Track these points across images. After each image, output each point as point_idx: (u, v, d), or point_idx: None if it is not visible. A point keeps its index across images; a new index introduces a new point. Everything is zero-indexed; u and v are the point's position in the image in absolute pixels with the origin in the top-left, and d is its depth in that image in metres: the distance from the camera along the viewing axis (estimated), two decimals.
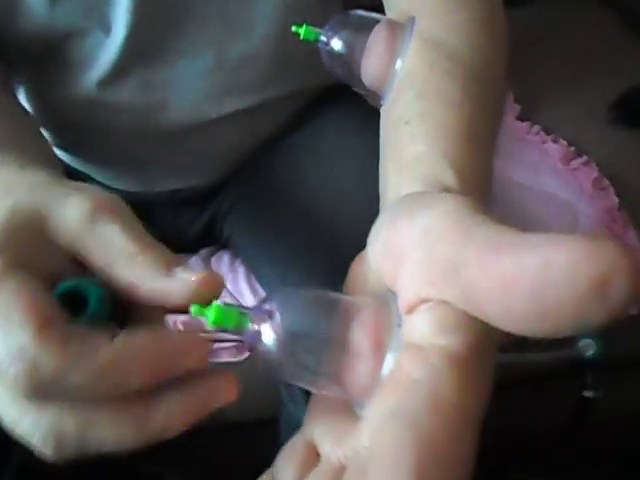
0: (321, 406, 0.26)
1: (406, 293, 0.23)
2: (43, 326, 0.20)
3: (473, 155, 0.30)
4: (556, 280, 0.17)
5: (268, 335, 0.23)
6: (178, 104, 0.52)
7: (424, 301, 0.22)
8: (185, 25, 0.48)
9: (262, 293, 0.60)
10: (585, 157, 0.70)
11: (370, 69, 0.35)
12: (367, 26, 0.35)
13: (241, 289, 0.61)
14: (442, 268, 0.21)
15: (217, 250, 0.67)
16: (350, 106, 0.60)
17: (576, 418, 0.62)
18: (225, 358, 0.59)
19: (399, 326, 0.23)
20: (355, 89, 0.38)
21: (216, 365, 0.60)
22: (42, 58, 0.50)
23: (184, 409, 0.23)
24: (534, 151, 0.73)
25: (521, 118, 0.80)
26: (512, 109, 0.81)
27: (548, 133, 0.77)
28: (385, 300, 0.24)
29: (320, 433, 0.25)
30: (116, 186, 0.59)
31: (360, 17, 0.36)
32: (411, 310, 0.23)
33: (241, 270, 0.63)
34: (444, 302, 0.21)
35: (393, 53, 0.34)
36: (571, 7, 1.07)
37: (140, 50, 0.48)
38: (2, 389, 0.22)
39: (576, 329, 0.18)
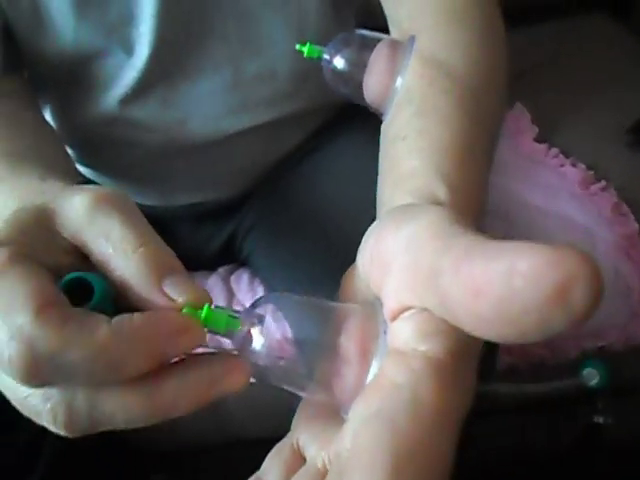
0: (308, 412, 0.27)
1: (390, 300, 0.23)
2: (42, 308, 0.20)
3: (466, 170, 0.31)
4: (520, 287, 0.17)
5: (258, 339, 0.24)
6: (197, 120, 0.53)
7: (407, 308, 0.23)
8: (205, 43, 0.49)
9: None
10: (604, 182, 0.70)
11: (371, 87, 0.36)
12: (369, 45, 0.36)
13: None
14: (423, 276, 0.21)
15: (236, 268, 0.68)
16: (369, 124, 0.61)
17: (585, 443, 0.62)
18: None
19: (385, 333, 0.23)
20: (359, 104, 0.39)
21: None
22: (67, 78, 0.51)
23: (194, 387, 0.23)
24: (552, 174, 0.73)
25: (538, 140, 0.80)
26: (530, 130, 0.81)
27: (566, 156, 0.77)
28: (372, 307, 0.25)
29: (306, 438, 0.26)
30: (136, 200, 0.60)
31: (363, 36, 0.37)
32: (395, 317, 0.23)
33: (260, 290, 0.63)
34: (425, 309, 0.22)
35: (394, 71, 0.35)
36: (589, 27, 1.07)
37: (161, 69, 0.49)
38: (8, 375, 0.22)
39: (541, 335, 0.18)
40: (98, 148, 0.57)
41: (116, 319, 0.21)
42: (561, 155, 0.77)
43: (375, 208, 0.55)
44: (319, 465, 0.24)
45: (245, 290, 0.64)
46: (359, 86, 0.36)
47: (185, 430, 0.66)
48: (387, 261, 0.24)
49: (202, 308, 0.23)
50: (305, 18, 0.50)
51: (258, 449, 0.74)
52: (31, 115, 0.47)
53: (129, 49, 0.48)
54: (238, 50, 0.50)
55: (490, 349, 0.51)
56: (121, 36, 0.48)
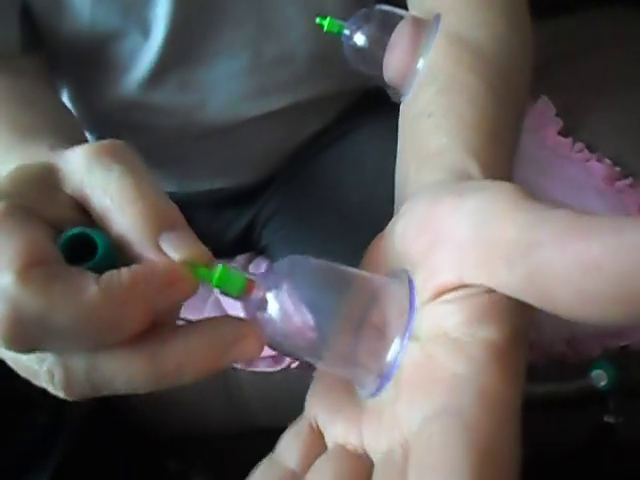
0: (323, 387, 0.26)
1: (443, 275, 0.22)
2: (27, 266, 0.19)
3: (496, 148, 0.30)
4: None
5: (273, 305, 0.22)
6: (215, 103, 0.52)
7: (464, 285, 0.21)
8: (222, 26, 0.49)
9: None
10: (630, 179, 0.69)
11: (392, 65, 0.35)
12: (391, 21, 0.36)
13: None
14: (501, 251, 0.20)
15: (255, 257, 0.68)
16: (392, 111, 0.60)
17: (595, 442, 0.62)
18: (261, 368, 0.59)
19: (413, 308, 0.22)
20: (377, 82, 0.38)
21: (251, 374, 0.60)
22: (84, 60, 0.51)
23: (202, 351, 0.21)
24: (577, 169, 0.72)
25: (563, 134, 0.79)
26: (554, 124, 0.80)
27: (591, 150, 0.76)
28: (400, 279, 0.23)
29: (325, 417, 0.24)
30: None
31: (384, 12, 0.36)
32: (441, 293, 0.22)
33: None
34: (487, 290, 0.21)
35: (416, 50, 0.34)
36: (614, 19, 1.05)
37: (178, 52, 0.49)
38: None
39: None
40: (117, 133, 0.56)
41: (104, 276, 0.20)
42: (586, 150, 0.75)
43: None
44: (349, 447, 0.23)
45: None
46: (379, 64, 0.36)
47: (200, 418, 0.66)
48: (441, 233, 0.22)
49: (205, 266, 0.21)
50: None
51: (272, 438, 0.74)
52: (47, 93, 0.47)
53: (146, 31, 0.48)
54: (255, 34, 0.50)
55: None
56: (137, 17, 0.47)
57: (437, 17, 0.35)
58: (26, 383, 0.22)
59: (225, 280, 0.21)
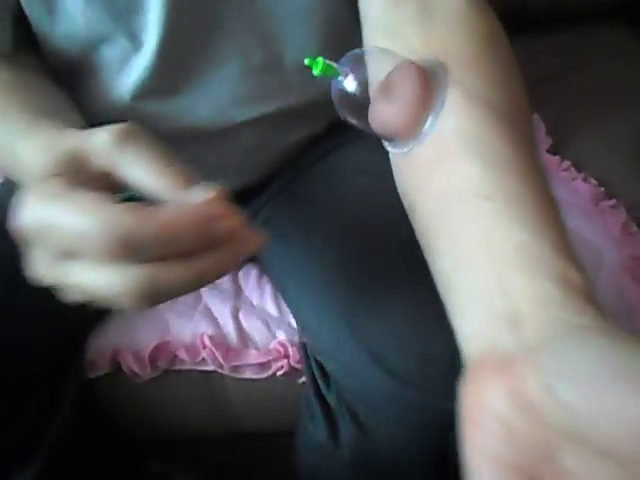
0: None
1: None
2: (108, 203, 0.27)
3: (565, 235, 0.29)
4: None
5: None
6: (205, 108, 0.53)
7: None
8: (213, 35, 0.49)
9: (288, 312, 0.61)
10: (614, 200, 0.70)
11: (392, 117, 0.33)
12: (386, 66, 0.33)
13: (267, 307, 0.62)
14: None
15: (245, 264, 0.68)
16: None
17: None
18: (248, 375, 0.60)
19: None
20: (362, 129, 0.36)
21: (238, 381, 0.61)
22: (77, 64, 0.51)
23: (228, 256, 0.28)
24: (564, 188, 0.73)
25: (551, 151, 0.80)
26: (544, 142, 0.81)
27: (578, 169, 0.78)
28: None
29: None
30: None
31: (380, 54, 0.34)
32: None
33: (268, 288, 0.64)
34: None
35: (425, 105, 0.32)
36: (605, 36, 1.06)
37: (170, 58, 0.50)
38: (85, 257, 0.27)
39: None
40: None
41: (172, 205, 0.28)
42: (572, 168, 0.77)
43: (393, 206, 0.55)
44: None
45: (253, 287, 0.64)
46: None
47: (185, 422, 0.67)
48: None
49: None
50: (314, 10, 0.50)
51: (257, 442, 0.75)
52: (48, 82, 0.48)
53: (137, 37, 0.48)
54: (246, 43, 0.51)
55: None
56: (129, 23, 0.48)
57: (443, 67, 0.33)
58: (11, 385, 0.26)
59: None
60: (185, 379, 0.62)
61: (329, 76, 0.34)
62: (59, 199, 0.27)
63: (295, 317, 0.60)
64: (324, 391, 0.56)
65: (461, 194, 0.31)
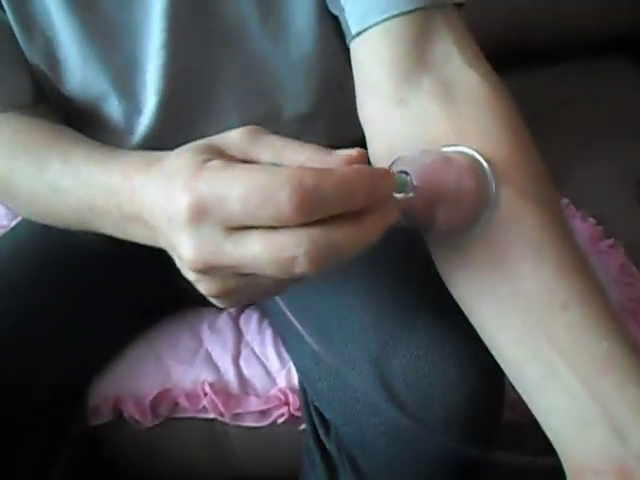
0: None
1: None
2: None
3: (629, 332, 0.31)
4: None
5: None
6: None
7: None
8: (212, 90, 0.51)
9: (288, 359, 0.62)
10: (612, 240, 0.71)
11: (456, 216, 0.34)
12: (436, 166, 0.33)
13: (267, 353, 0.63)
14: None
15: (246, 308, 0.69)
16: None
17: None
18: (249, 422, 0.60)
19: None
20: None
21: (239, 428, 0.61)
22: (80, 120, 0.52)
23: (383, 219, 0.29)
24: None
25: None
26: None
27: (576, 205, 0.78)
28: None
29: None
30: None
31: (428, 156, 0.34)
32: None
33: (268, 333, 0.64)
34: None
35: (481, 201, 0.33)
36: (605, 70, 1.07)
37: (171, 117, 0.51)
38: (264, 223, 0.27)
39: None
40: None
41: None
42: (571, 206, 0.77)
43: (387, 261, 0.56)
44: None
45: (254, 332, 0.65)
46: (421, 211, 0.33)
47: (187, 468, 0.67)
48: None
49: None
50: (311, 62, 0.51)
51: None
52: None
53: (135, 98, 0.50)
54: (244, 95, 0.52)
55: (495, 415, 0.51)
56: (126, 83, 0.49)
57: (485, 165, 0.34)
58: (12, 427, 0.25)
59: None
60: (187, 426, 0.62)
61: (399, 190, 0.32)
62: (229, 168, 0.28)
63: (295, 364, 0.60)
64: (324, 438, 0.56)
65: (534, 302, 0.31)
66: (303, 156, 0.30)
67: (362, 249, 0.28)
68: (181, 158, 0.30)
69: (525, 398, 0.33)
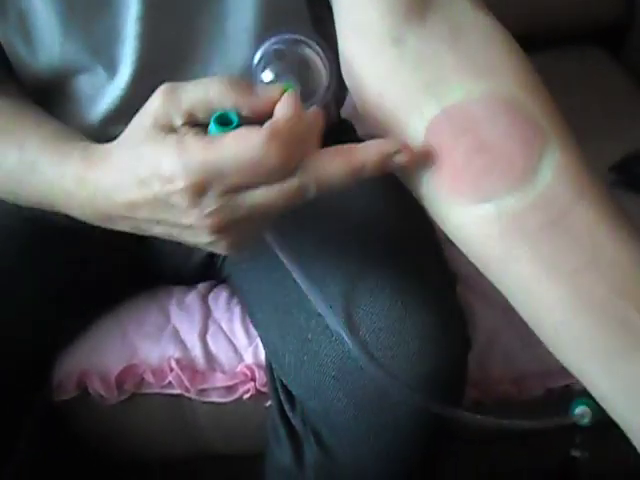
0: None
1: None
2: None
3: None
4: None
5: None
6: None
7: None
8: (187, 66, 0.50)
9: (255, 335, 0.62)
10: None
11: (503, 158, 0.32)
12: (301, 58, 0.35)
13: (235, 330, 0.63)
14: None
15: (215, 286, 0.69)
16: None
17: (562, 477, 0.63)
18: (214, 398, 0.60)
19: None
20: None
21: (206, 404, 0.61)
22: (52, 92, 0.52)
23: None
24: None
25: None
26: None
27: None
28: None
29: None
30: None
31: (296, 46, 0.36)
32: None
33: (237, 310, 0.64)
34: None
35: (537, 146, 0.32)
36: (580, 59, 1.08)
37: (143, 89, 0.50)
38: (268, 177, 0.31)
39: None
40: None
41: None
42: None
43: (356, 238, 0.56)
44: None
45: (222, 309, 0.65)
46: None
47: (154, 443, 0.67)
48: None
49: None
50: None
51: (225, 464, 0.75)
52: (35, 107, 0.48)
53: (113, 68, 0.49)
54: (221, 72, 0.51)
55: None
56: (106, 55, 0.48)
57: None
58: None
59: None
60: (153, 402, 0.62)
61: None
62: (208, 146, 0.31)
63: (262, 340, 0.60)
64: (289, 414, 0.56)
65: (620, 265, 0.29)
66: (231, 100, 0.33)
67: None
68: (146, 145, 0.34)
69: (593, 368, 0.30)
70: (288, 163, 0.32)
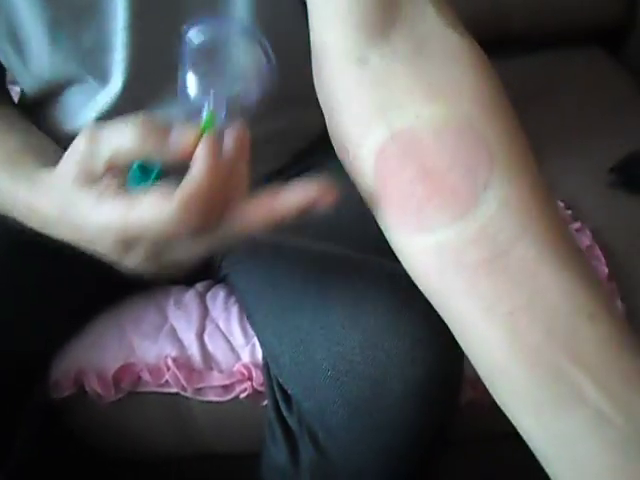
0: None
1: None
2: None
3: None
4: None
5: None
6: None
7: None
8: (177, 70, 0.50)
9: (253, 335, 0.62)
10: (579, 223, 0.71)
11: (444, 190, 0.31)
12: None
13: (232, 329, 0.63)
14: None
15: (213, 285, 0.69)
16: None
17: None
18: (211, 397, 0.60)
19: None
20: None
21: (202, 403, 0.61)
22: (47, 100, 0.52)
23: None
24: None
25: None
26: None
27: None
28: None
29: None
30: None
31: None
32: None
33: (234, 310, 0.64)
34: None
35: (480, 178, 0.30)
36: (580, 59, 1.08)
37: (135, 96, 0.50)
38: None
39: None
40: None
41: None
42: None
43: (358, 236, 0.55)
44: None
45: (220, 309, 0.65)
46: None
47: (151, 442, 0.67)
48: None
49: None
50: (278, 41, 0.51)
51: (222, 463, 0.75)
52: (21, 120, 0.49)
53: (104, 76, 0.49)
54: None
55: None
56: (95, 63, 0.49)
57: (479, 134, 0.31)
58: None
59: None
60: (150, 400, 0.62)
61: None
62: (134, 206, 0.32)
63: (259, 339, 0.60)
64: (285, 413, 0.56)
65: (558, 310, 0.27)
66: (148, 148, 0.33)
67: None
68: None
69: (524, 417, 0.28)
70: (206, 223, 0.33)
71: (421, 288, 0.32)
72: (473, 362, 0.30)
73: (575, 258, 0.29)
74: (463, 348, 0.31)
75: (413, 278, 0.33)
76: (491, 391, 0.29)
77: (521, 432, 0.28)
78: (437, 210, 0.30)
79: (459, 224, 0.29)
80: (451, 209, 0.30)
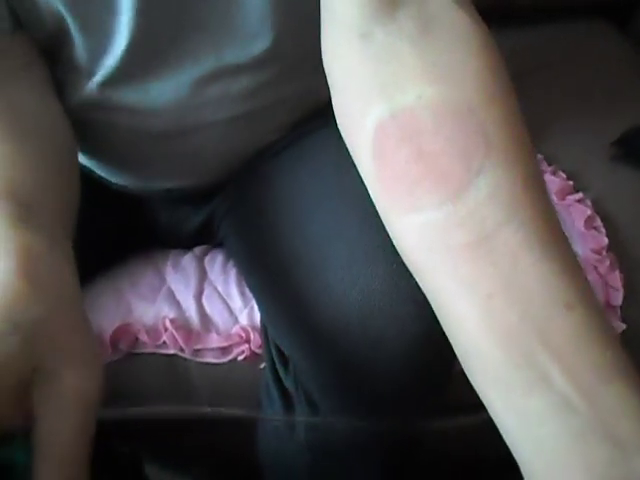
0: None
1: None
2: None
3: None
4: None
5: None
6: (175, 107, 0.53)
7: None
8: (185, 35, 0.49)
9: (251, 297, 0.62)
10: (580, 194, 0.71)
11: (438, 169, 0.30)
12: None
13: (231, 292, 0.63)
14: None
15: (212, 249, 0.69)
16: None
17: None
18: (209, 359, 0.60)
19: None
20: None
21: (200, 364, 0.62)
22: (48, 58, 0.51)
23: None
24: None
25: None
26: None
27: (549, 163, 0.78)
28: None
29: None
30: (116, 181, 0.61)
31: None
32: None
33: (233, 273, 0.64)
34: None
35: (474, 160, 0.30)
36: (584, 31, 1.06)
37: (142, 58, 0.49)
38: None
39: None
40: (78, 129, 0.57)
41: None
42: (544, 162, 0.77)
43: (353, 203, 0.55)
44: None
45: (218, 272, 0.65)
46: None
47: (148, 403, 0.67)
48: None
49: None
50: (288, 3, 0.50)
51: (218, 425, 0.75)
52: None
53: (107, 38, 0.48)
54: (219, 40, 0.50)
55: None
56: (100, 23, 0.47)
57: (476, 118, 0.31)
58: None
59: None
60: (147, 361, 0.62)
61: None
62: None
63: (256, 301, 0.60)
64: (282, 375, 0.56)
65: (534, 296, 0.28)
66: None
67: None
68: None
69: (493, 396, 0.28)
70: None
71: (407, 265, 0.33)
72: (450, 339, 0.31)
73: (560, 248, 0.29)
74: (442, 325, 0.31)
75: (400, 254, 0.33)
76: (465, 369, 0.30)
77: (490, 411, 0.29)
78: (428, 191, 0.30)
79: (448, 206, 0.30)
80: (442, 191, 0.30)
